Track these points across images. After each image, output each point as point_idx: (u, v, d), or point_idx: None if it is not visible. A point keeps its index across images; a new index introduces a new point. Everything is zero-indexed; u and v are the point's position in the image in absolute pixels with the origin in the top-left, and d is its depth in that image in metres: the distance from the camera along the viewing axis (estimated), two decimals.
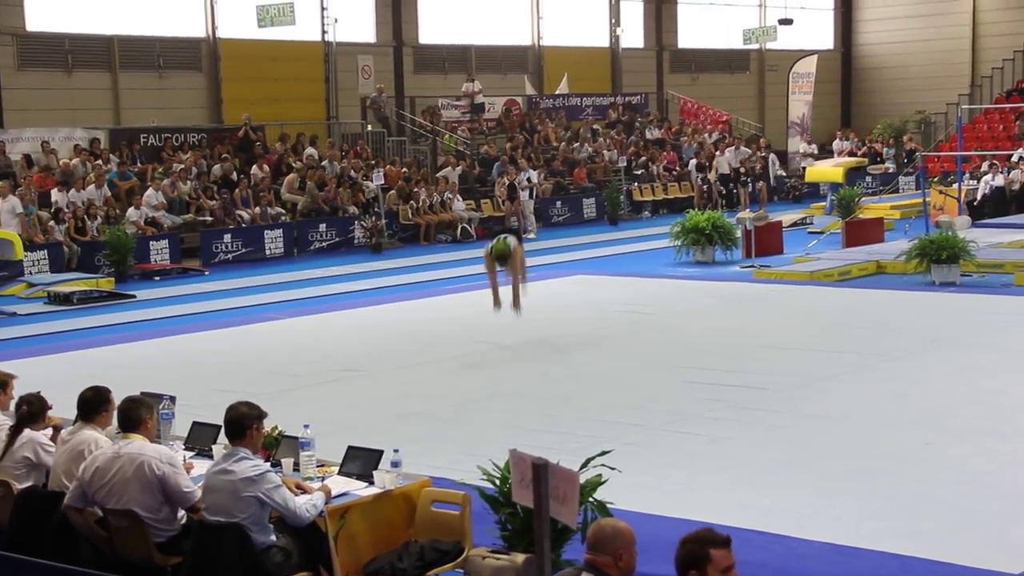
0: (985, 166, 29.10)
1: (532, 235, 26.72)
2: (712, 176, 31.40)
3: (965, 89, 40.04)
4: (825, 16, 44.56)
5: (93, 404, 6.97)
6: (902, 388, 11.44)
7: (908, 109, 40.71)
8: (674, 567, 4.58)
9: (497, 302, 14.18)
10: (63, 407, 7.65)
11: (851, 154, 35.41)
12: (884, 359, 12.81)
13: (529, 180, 28.03)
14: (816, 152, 36.06)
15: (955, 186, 26.13)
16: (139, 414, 6.64)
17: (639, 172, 32.13)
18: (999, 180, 27.78)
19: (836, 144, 36.49)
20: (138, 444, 6.50)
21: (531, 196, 27.74)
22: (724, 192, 31.45)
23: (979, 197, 27.36)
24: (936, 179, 29.69)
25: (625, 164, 31.15)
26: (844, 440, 9.76)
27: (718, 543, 4.55)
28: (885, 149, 36.98)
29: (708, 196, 30.94)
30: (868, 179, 34.17)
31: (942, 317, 15.40)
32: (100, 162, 24.50)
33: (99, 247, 21.50)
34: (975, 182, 28.27)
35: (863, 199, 27.94)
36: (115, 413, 6.82)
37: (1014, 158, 29.36)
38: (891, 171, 35.20)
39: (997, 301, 16.44)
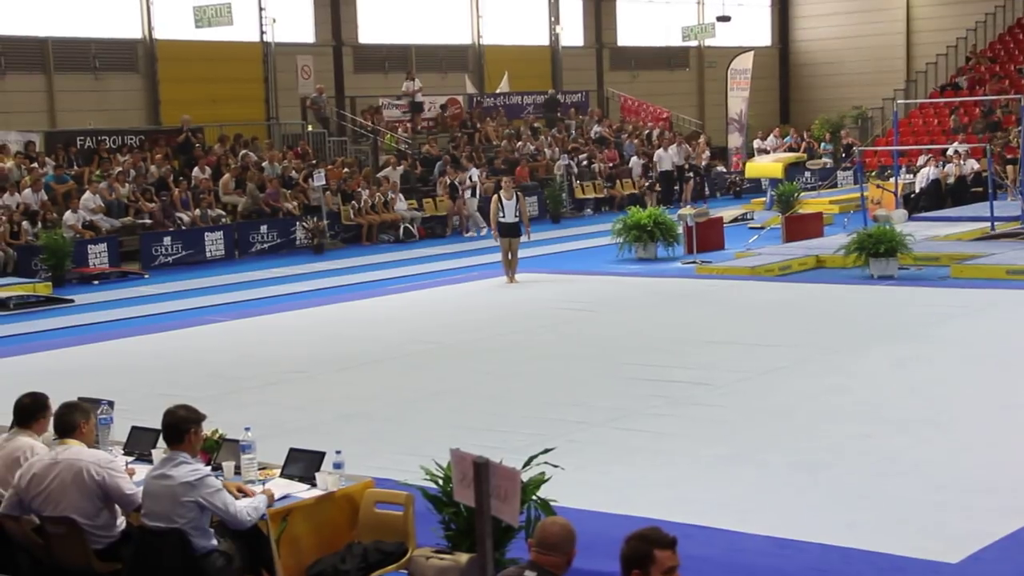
0: (922, 160, 29.46)
1: (475, 233, 26.72)
2: (635, 176, 31.65)
3: (900, 84, 40.52)
4: (762, 13, 44.91)
5: (30, 411, 6.86)
6: (842, 381, 11.55)
7: (845, 104, 41.10)
8: (619, 563, 4.57)
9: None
10: None
11: (790, 150, 35.63)
12: (824, 352, 12.93)
13: (471, 179, 27.98)
14: (769, 149, 36.14)
15: (892, 180, 26.46)
16: (74, 419, 6.56)
17: (579, 169, 32.10)
18: (935, 173, 28.13)
19: (770, 141, 36.48)
20: (75, 450, 6.42)
21: (473, 195, 27.63)
22: (662, 190, 31.61)
23: (917, 191, 27.69)
24: (873, 173, 30.03)
25: (567, 162, 31.18)
26: (785, 434, 9.84)
27: (663, 544, 4.53)
28: (823, 144, 37.27)
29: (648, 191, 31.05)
30: (807, 174, 34.49)
31: (881, 310, 15.56)
32: (36, 165, 24.16)
33: (36, 251, 21.18)
34: (912, 176, 28.61)
35: (802, 194, 28.20)
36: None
37: (949, 152, 29.74)
38: (829, 166, 35.54)
39: (934, 293, 16.64)
